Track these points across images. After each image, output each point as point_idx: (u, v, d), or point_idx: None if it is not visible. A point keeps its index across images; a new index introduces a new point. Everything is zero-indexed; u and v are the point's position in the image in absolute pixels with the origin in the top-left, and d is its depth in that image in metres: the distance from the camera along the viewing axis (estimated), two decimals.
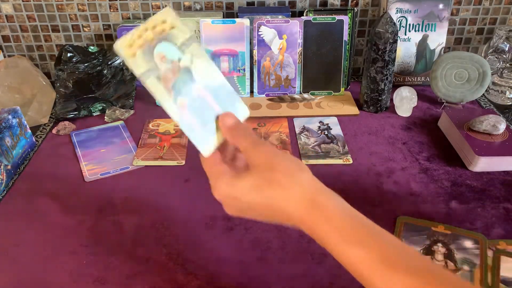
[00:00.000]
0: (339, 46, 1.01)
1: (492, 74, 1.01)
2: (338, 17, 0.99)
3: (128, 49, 0.42)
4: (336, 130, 0.92)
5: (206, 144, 0.47)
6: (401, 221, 0.68)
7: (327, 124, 0.94)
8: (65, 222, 0.70)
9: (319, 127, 0.93)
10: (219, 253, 0.64)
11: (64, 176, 0.80)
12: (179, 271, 0.61)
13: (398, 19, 1.03)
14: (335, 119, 0.96)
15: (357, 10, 1.09)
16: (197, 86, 0.46)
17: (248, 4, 1.07)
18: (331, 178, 0.78)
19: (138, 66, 0.43)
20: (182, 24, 0.45)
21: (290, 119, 0.96)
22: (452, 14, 1.10)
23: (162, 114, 1.00)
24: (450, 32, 1.12)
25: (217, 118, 0.47)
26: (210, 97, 0.47)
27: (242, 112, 0.49)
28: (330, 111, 0.98)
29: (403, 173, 0.79)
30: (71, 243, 0.66)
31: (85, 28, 1.10)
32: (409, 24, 1.04)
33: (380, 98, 0.96)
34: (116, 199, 0.74)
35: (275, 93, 1.05)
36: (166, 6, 1.06)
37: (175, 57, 0.45)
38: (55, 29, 1.09)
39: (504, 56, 1.01)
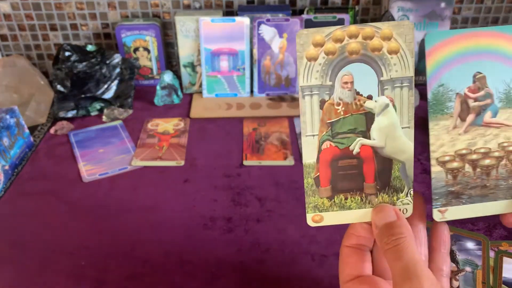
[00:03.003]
0: None
1: None
2: (339, 16, 0.99)
3: (312, 47, 0.31)
4: None
5: (317, 213, 0.35)
6: None
7: None
8: (63, 223, 0.69)
9: None
10: (218, 255, 0.63)
11: (62, 176, 0.79)
12: (178, 272, 0.61)
13: (400, 18, 1.03)
14: None
15: (358, 8, 1.08)
16: (364, 143, 0.34)
17: (248, 2, 1.07)
18: None
19: (307, 74, 0.32)
20: (411, 55, 0.32)
21: (291, 119, 0.95)
22: (454, 13, 1.09)
23: (161, 113, 1.01)
24: None
25: (364, 194, 0.35)
26: (371, 166, 0.34)
27: (405, 207, 0.35)
28: None
29: None
30: (69, 244, 0.65)
31: (83, 27, 1.09)
32: None
33: None
34: (115, 199, 0.74)
35: (275, 93, 1.04)
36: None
37: (365, 91, 0.32)
38: (53, 28, 1.08)
39: None
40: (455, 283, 0.58)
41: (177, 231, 0.67)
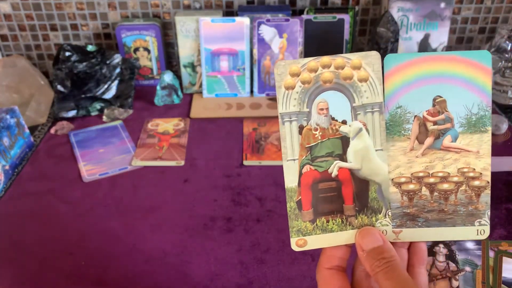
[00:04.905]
0: (340, 45, 1.00)
1: (494, 74, 1.01)
2: (339, 16, 0.99)
3: (289, 77, 0.33)
4: None
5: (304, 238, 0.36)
6: None
7: None
8: (63, 223, 0.69)
9: None
10: (218, 255, 0.63)
11: (62, 176, 0.79)
12: (178, 272, 0.61)
13: (400, 18, 1.03)
14: None
15: (358, 9, 1.08)
16: (341, 165, 0.35)
17: (248, 2, 1.07)
18: None
19: (285, 102, 0.34)
20: (379, 83, 0.34)
21: None
22: (453, 13, 1.09)
23: (161, 113, 1.01)
24: (451, 31, 1.12)
25: (344, 216, 0.35)
26: (349, 188, 0.35)
27: (384, 228, 0.35)
28: None
29: None
30: (69, 244, 0.65)
31: (83, 27, 1.09)
32: (411, 23, 1.03)
33: None
34: (115, 199, 0.74)
35: (275, 93, 1.04)
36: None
37: (340, 117, 0.34)
38: (53, 28, 1.09)
39: (506, 55, 1.00)
40: (455, 283, 0.58)
41: (177, 231, 0.67)
